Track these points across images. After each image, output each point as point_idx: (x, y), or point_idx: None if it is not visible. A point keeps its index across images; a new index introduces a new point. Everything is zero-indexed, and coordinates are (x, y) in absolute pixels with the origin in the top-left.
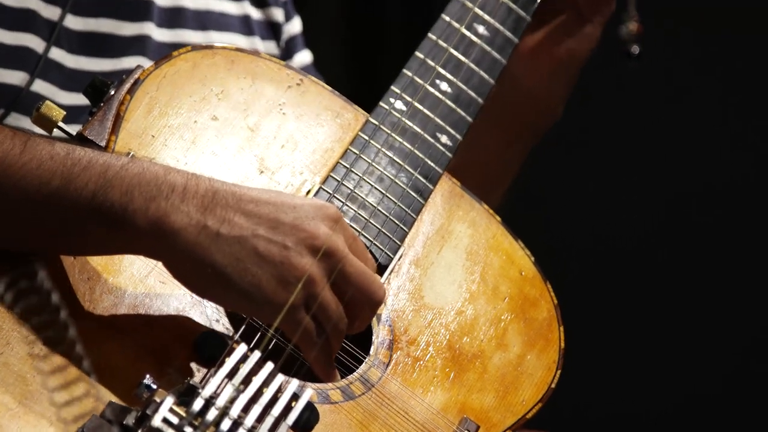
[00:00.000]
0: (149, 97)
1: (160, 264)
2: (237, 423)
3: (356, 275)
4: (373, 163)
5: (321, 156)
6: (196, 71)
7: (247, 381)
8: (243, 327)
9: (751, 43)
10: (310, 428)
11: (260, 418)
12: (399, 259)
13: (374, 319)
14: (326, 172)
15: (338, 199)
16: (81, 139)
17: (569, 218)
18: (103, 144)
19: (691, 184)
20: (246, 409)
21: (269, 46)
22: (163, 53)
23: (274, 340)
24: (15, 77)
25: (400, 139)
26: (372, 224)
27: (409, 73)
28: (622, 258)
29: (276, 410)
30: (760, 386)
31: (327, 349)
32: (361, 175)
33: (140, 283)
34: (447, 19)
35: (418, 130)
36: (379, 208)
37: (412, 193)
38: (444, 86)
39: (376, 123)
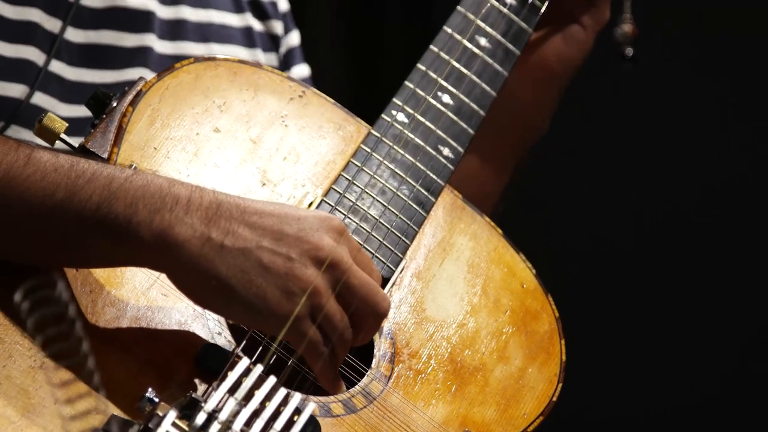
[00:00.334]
0: (151, 109)
1: (162, 276)
2: None
3: (361, 286)
4: (375, 176)
5: (323, 168)
6: (198, 83)
7: (249, 395)
8: (245, 340)
9: (750, 43)
10: None
11: None
12: (401, 272)
13: None
14: (328, 184)
15: (340, 211)
16: (83, 151)
17: (568, 220)
18: (105, 156)
19: (690, 185)
20: (248, 423)
21: (271, 58)
22: (164, 65)
23: (276, 354)
24: (15, 90)
25: (402, 152)
26: (374, 237)
27: (411, 85)
28: (621, 258)
29: (278, 424)
30: (759, 386)
31: (332, 360)
32: (363, 187)
33: (142, 296)
34: (449, 31)
35: (420, 142)
36: (381, 220)
37: (414, 206)
38: (446, 98)
39: (378, 135)
